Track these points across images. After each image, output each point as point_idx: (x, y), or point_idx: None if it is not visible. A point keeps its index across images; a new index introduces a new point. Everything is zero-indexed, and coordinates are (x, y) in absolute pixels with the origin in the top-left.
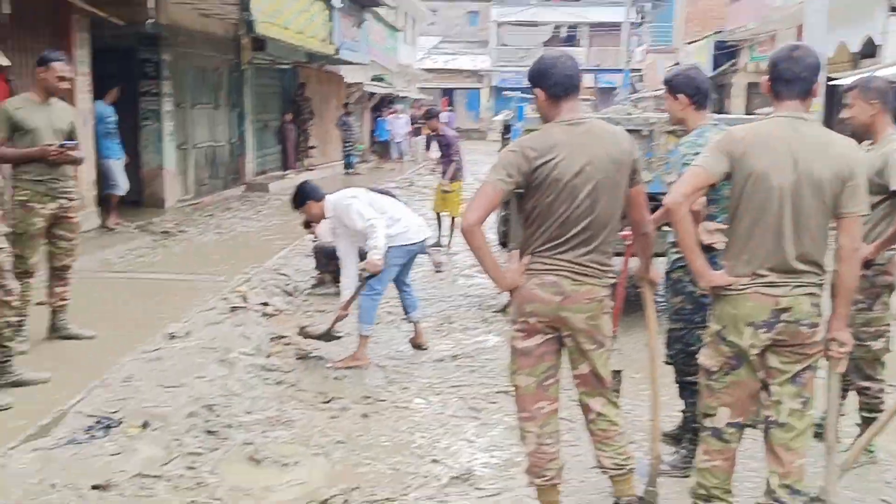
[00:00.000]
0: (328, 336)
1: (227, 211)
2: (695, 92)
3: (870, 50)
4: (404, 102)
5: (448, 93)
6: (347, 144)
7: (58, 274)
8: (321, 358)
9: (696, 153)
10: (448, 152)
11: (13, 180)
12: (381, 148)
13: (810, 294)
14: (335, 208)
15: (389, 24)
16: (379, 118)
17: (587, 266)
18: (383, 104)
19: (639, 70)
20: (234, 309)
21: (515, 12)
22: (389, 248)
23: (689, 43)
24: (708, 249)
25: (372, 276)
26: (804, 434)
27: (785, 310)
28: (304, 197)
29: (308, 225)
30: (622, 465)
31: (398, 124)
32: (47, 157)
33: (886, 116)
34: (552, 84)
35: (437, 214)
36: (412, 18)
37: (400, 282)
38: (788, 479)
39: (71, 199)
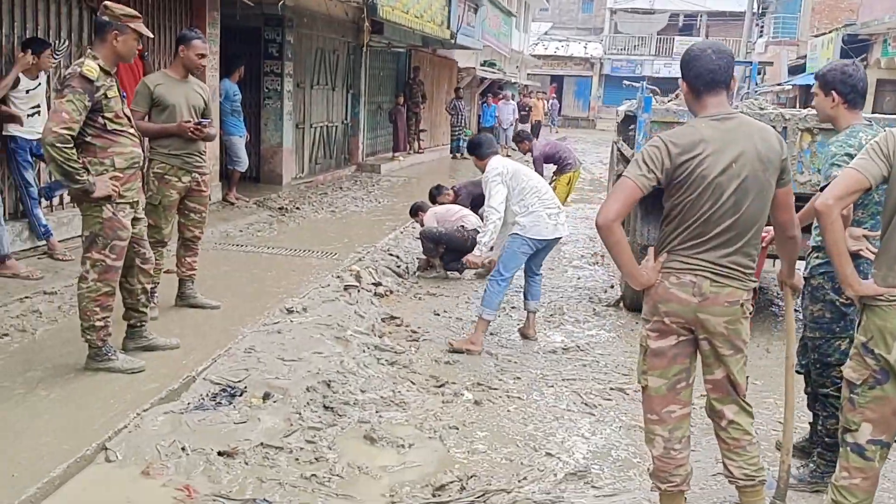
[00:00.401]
0: None
1: (339, 190)
2: (849, 90)
3: None
4: (513, 88)
5: (557, 80)
6: (456, 129)
7: (188, 244)
8: (432, 341)
9: (847, 154)
10: (538, 169)
11: (151, 153)
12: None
13: None
14: (486, 173)
15: (505, 10)
16: (484, 104)
17: (729, 267)
18: (490, 90)
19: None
20: (347, 287)
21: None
22: (516, 235)
23: (816, 36)
24: (853, 256)
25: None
26: None
27: None
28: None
29: (415, 214)
30: (753, 475)
31: (506, 110)
32: (185, 133)
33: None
34: (694, 76)
35: None
36: (526, 4)
37: (529, 269)
38: None
39: (203, 174)
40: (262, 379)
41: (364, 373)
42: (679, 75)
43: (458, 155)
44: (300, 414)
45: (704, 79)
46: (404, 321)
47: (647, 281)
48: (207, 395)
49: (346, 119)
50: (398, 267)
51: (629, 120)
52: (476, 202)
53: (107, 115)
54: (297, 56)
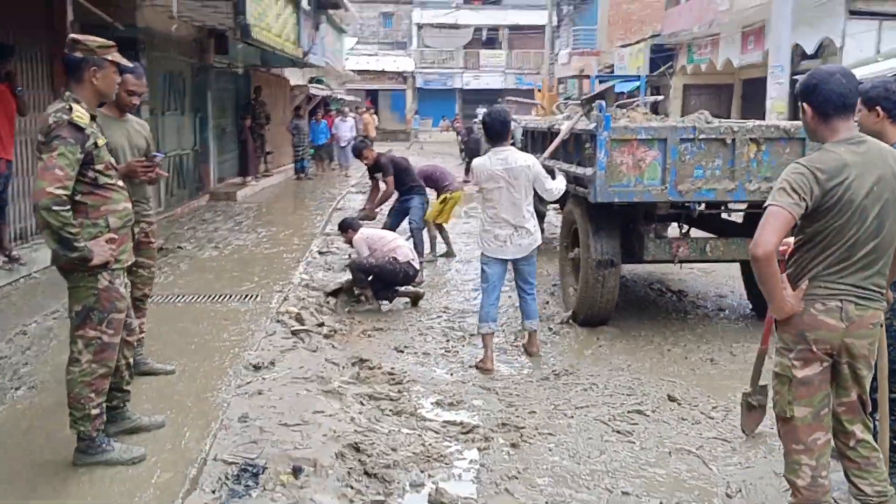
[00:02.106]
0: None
1: (204, 223)
2: (893, 105)
3: (818, 52)
4: (338, 104)
5: (372, 94)
6: (299, 149)
7: (137, 305)
8: (417, 382)
9: None
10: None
11: None
12: (318, 153)
13: None
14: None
15: (338, 27)
16: (314, 121)
17: (871, 290)
18: (319, 107)
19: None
20: (295, 332)
21: (436, 15)
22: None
23: (623, 46)
24: None
25: None
26: None
27: None
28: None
29: (344, 230)
30: (884, 491)
31: (344, 127)
32: (135, 175)
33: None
34: (823, 101)
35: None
36: (339, 19)
37: (518, 286)
38: None
39: (150, 223)
40: (280, 451)
41: (381, 428)
42: (487, 86)
43: (303, 175)
44: (352, 487)
45: (835, 103)
46: (374, 363)
47: (792, 309)
48: (229, 478)
49: (196, 145)
50: (327, 302)
51: (469, 132)
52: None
53: (97, 166)
54: (150, 81)
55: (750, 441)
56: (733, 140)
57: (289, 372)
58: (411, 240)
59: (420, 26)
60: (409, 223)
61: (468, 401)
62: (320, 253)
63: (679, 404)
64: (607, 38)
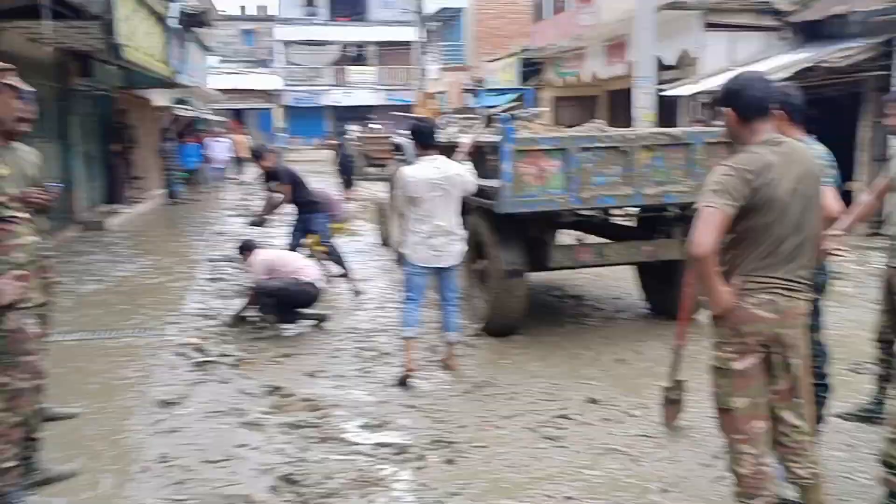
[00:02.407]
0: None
1: (78, 255)
2: (793, 108)
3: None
4: (205, 125)
5: (239, 113)
6: (170, 172)
7: None
8: (339, 406)
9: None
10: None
11: None
12: (190, 176)
13: None
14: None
15: (203, 45)
16: (181, 144)
17: (797, 281)
18: (186, 129)
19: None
20: (200, 364)
21: (301, 31)
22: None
23: (492, 61)
24: None
25: None
26: None
27: None
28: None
29: (244, 251)
30: (816, 474)
31: (219, 148)
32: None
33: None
34: (745, 105)
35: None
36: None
37: (444, 297)
38: None
39: (48, 257)
40: (210, 490)
41: (311, 456)
42: (359, 103)
43: (176, 200)
44: None
45: (756, 107)
46: (289, 390)
47: (728, 305)
48: None
49: (62, 173)
50: (228, 331)
51: (480, 150)
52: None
53: (0, 198)
54: None
55: (673, 435)
56: (629, 148)
57: (202, 406)
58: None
59: (286, 43)
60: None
61: (394, 420)
62: (209, 280)
63: (600, 405)
64: (475, 54)
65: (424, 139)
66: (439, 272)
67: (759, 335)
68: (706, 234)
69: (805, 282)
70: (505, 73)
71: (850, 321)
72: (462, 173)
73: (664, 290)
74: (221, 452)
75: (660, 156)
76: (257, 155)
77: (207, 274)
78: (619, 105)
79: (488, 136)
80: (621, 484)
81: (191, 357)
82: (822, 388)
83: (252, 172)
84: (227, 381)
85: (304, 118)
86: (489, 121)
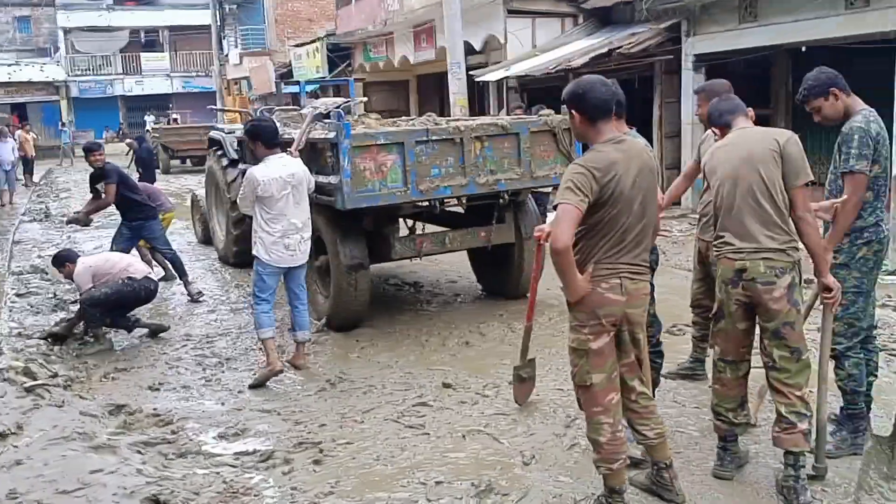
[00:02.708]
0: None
1: None
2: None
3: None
4: None
5: (19, 108)
6: None
7: None
8: (189, 419)
9: None
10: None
11: None
12: None
13: None
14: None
15: None
16: None
17: (640, 265)
18: None
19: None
20: (30, 389)
21: (85, 17)
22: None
23: (299, 45)
24: None
25: None
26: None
27: None
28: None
29: (62, 264)
30: (661, 433)
31: (5, 149)
32: None
33: None
34: (590, 107)
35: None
36: None
37: (293, 295)
38: (794, 408)
39: None
40: None
41: (173, 474)
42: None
43: None
44: None
45: (599, 109)
46: (134, 407)
47: (584, 291)
48: None
49: None
50: (51, 350)
51: (314, 147)
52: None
53: None
54: None
55: (525, 410)
56: (461, 139)
57: (43, 434)
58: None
59: (67, 30)
60: (162, 252)
61: (252, 427)
62: (18, 296)
63: (455, 389)
64: (277, 38)
65: (269, 138)
66: (290, 271)
67: (612, 316)
68: (564, 229)
69: (646, 265)
70: (312, 60)
71: (661, 287)
72: (305, 169)
73: (497, 272)
74: (76, 481)
75: (490, 146)
76: (88, 150)
77: (14, 289)
78: (428, 89)
79: (322, 132)
80: (486, 462)
81: (17, 382)
82: (657, 355)
83: (41, 171)
84: (64, 404)
85: (94, 110)
86: (322, 116)
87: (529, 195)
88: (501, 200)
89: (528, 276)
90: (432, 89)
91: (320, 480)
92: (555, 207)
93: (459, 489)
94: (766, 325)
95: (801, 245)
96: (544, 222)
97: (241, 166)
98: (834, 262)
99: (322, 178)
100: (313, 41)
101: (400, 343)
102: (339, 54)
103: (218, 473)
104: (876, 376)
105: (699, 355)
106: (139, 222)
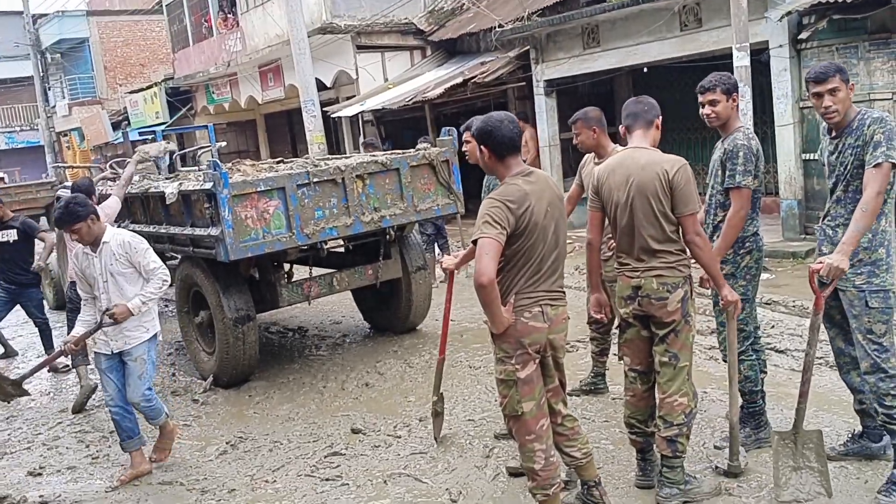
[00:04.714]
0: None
1: None
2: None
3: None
4: None
5: None
6: None
7: None
8: (79, 501)
9: None
10: None
11: None
12: None
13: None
14: (128, 241)
15: None
16: None
17: (557, 292)
18: None
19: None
20: None
21: None
22: (155, 335)
23: (134, 91)
24: None
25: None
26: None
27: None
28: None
29: None
30: (588, 452)
31: None
32: None
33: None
34: (498, 144)
35: None
36: None
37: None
38: (662, 412)
39: None
40: None
41: None
42: None
43: None
44: None
45: (507, 145)
46: (15, 497)
47: (508, 323)
48: None
49: None
50: None
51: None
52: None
53: None
54: None
55: (442, 446)
56: (343, 179)
57: None
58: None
59: None
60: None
61: (155, 503)
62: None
63: (365, 434)
64: (108, 85)
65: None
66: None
67: (536, 344)
68: (487, 262)
69: (562, 291)
70: (150, 105)
71: None
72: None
73: (385, 308)
74: None
75: (372, 183)
76: None
77: None
78: (278, 127)
79: (196, 184)
80: None
81: None
82: None
83: None
84: None
85: None
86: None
87: (431, 225)
88: (388, 237)
89: (418, 309)
90: (282, 128)
91: None
92: (474, 242)
93: None
94: (657, 332)
95: (692, 261)
96: (431, 253)
97: None
98: (722, 273)
99: (200, 231)
100: (150, 86)
101: (297, 392)
102: (178, 98)
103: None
104: (766, 373)
105: (600, 369)
106: (21, 289)
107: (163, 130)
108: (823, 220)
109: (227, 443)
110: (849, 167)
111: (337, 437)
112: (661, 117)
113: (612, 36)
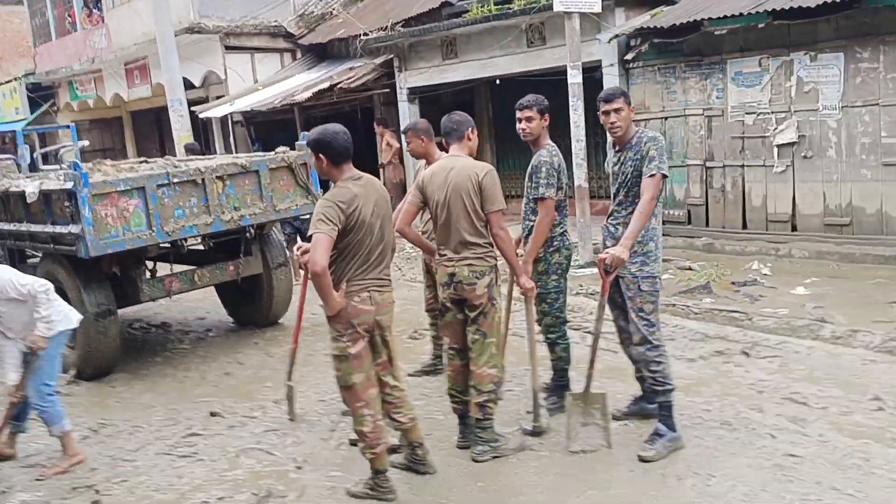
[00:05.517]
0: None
1: None
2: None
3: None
4: None
5: None
6: None
7: None
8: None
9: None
10: None
11: None
12: None
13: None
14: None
15: None
16: None
17: (385, 279)
18: None
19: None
20: None
21: None
22: (59, 333)
23: None
24: None
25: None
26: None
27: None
28: None
29: None
30: (413, 418)
31: None
32: None
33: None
34: (334, 153)
35: None
36: None
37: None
38: (473, 381)
39: None
40: None
41: None
42: None
43: None
44: None
45: (342, 154)
46: None
47: (340, 306)
48: None
49: None
50: None
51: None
52: None
53: None
54: None
55: (293, 424)
56: (203, 180)
57: None
58: None
59: None
60: None
61: (18, 483)
62: None
63: (223, 416)
64: None
65: None
66: None
67: (365, 324)
68: (319, 255)
69: (389, 279)
70: (9, 100)
71: (402, 299)
72: None
73: (247, 303)
74: None
75: (232, 184)
76: None
77: None
78: (143, 125)
79: (57, 183)
80: (263, 473)
81: None
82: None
83: None
84: None
85: None
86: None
87: (290, 224)
88: (248, 235)
89: (279, 303)
90: (149, 125)
91: None
92: (309, 238)
93: (241, 500)
94: (469, 314)
95: (498, 253)
96: (292, 251)
97: None
98: (537, 270)
99: (60, 228)
100: (9, 81)
101: (159, 383)
102: (40, 94)
103: None
104: None
105: (438, 352)
106: None
107: (23, 129)
108: (607, 219)
109: (88, 428)
110: (629, 176)
111: (196, 420)
112: (473, 129)
113: (469, 49)
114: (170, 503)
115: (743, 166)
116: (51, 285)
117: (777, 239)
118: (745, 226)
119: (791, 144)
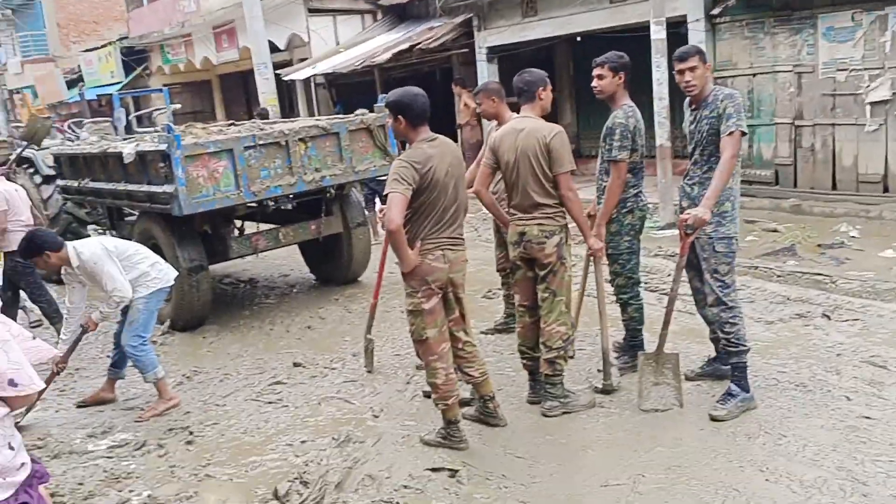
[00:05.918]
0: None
1: None
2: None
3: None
4: None
5: None
6: None
7: None
8: (47, 426)
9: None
10: None
11: None
12: None
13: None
14: (85, 262)
15: None
16: None
17: (458, 238)
18: None
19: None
20: None
21: None
22: (157, 290)
23: (88, 51)
24: None
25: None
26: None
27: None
28: (40, 247)
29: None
30: (484, 373)
31: None
32: None
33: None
34: (414, 115)
35: None
36: None
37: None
38: (543, 338)
39: None
40: None
41: (52, 471)
42: None
43: None
44: None
45: (420, 116)
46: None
47: (415, 263)
48: None
49: None
50: None
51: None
52: None
53: None
54: None
55: (371, 376)
56: (286, 142)
57: None
58: None
59: None
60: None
61: (119, 424)
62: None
63: (305, 367)
64: (61, 43)
65: None
66: None
67: (439, 281)
68: (395, 212)
69: (462, 238)
70: (105, 64)
71: (475, 259)
72: None
73: (328, 261)
74: None
75: (314, 146)
76: None
77: None
78: (233, 88)
79: (152, 145)
80: (342, 420)
81: None
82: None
83: None
84: None
85: None
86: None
87: (367, 185)
88: (329, 195)
89: (359, 261)
90: (237, 88)
91: (196, 457)
92: (385, 196)
93: (322, 444)
94: (539, 272)
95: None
96: (371, 211)
97: (59, 182)
98: (609, 231)
99: (156, 188)
100: (105, 45)
101: (246, 335)
102: (134, 58)
103: (97, 465)
104: None
105: (510, 311)
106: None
107: (118, 92)
108: (684, 179)
109: (183, 375)
110: (704, 135)
111: (280, 369)
112: (546, 86)
113: (549, 5)
114: (257, 445)
115: (833, 125)
116: (129, 298)
117: (868, 200)
118: (834, 187)
119: (884, 102)
